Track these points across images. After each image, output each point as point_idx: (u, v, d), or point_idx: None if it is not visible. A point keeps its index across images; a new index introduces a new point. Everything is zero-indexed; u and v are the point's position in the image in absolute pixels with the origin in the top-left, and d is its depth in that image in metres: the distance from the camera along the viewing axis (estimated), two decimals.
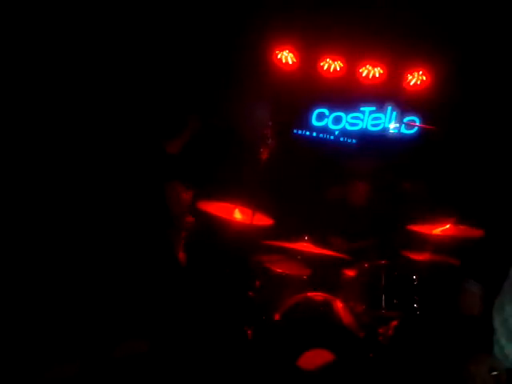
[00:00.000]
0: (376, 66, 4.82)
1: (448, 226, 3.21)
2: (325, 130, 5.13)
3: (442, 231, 3.20)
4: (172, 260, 3.21)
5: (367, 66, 4.83)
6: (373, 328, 3.10)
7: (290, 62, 4.90)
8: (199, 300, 3.00)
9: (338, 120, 5.11)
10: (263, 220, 3.45)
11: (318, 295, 3.15)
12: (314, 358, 2.72)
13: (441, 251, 3.37)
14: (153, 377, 2.82)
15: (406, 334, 3.10)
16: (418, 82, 4.84)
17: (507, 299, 1.71)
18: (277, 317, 3.00)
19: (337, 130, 5.12)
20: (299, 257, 3.45)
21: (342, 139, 5.14)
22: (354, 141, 5.12)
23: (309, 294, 3.16)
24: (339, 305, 3.08)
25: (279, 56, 4.89)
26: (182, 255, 3.35)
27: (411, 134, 5.02)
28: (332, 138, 5.15)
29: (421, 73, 4.81)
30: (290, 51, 4.87)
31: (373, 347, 2.93)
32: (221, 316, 3.16)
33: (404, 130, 5.02)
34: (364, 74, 4.86)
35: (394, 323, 3.10)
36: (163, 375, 2.82)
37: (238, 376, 2.84)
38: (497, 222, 1.87)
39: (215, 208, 3.39)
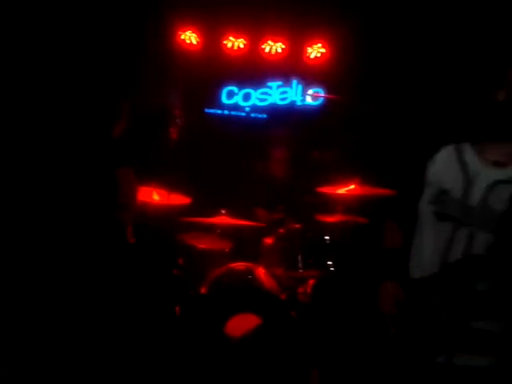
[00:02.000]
0: (277, 42, 4.95)
1: (353, 187, 3.46)
2: (235, 107, 5.24)
3: (347, 191, 3.46)
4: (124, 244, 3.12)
5: (269, 42, 4.95)
6: (293, 289, 3.32)
7: (194, 42, 4.93)
8: (125, 283, 3.01)
9: (247, 96, 5.22)
10: (180, 199, 3.55)
11: (240, 265, 3.28)
12: (241, 324, 2.86)
13: (349, 211, 3.64)
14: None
15: (323, 291, 3.35)
16: (318, 55, 5.02)
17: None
18: (203, 290, 3.11)
19: (247, 106, 5.24)
20: (218, 230, 3.57)
21: (253, 115, 5.28)
22: (264, 116, 5.28)
23: (231, 264, 3.28)
24: (261, 271, 3.24)
25: (182, 37, 4.90)
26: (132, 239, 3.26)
27: (317, 105, 5.26)
28: (243, 114, 5.27)
29: (320, 45, 5.00)
30: (192, 31, 4.89)
31: (294, 306, 3.14)
32: (147, 296, 3.21)
33: (310, 102, 5.24)
34: (267, 50, 4.99)
35: (312, 282, 3.34)
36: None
37: (169, 353, 2.93)
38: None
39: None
